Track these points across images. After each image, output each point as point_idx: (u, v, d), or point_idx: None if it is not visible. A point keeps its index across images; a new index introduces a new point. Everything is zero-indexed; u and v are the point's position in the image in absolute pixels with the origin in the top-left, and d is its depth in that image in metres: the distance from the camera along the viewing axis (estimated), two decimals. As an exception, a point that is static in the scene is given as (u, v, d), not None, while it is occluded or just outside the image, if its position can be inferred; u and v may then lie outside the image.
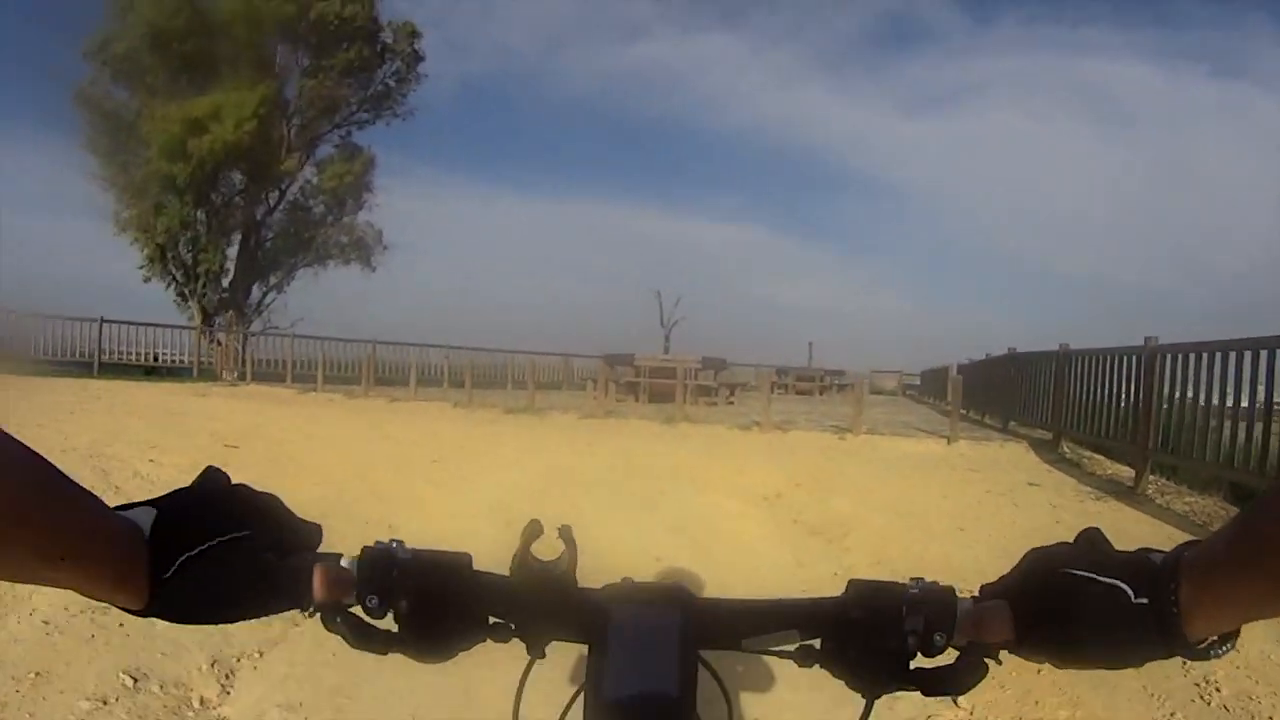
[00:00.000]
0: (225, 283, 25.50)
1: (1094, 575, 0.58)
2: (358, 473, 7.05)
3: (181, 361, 21.85)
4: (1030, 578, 0.61)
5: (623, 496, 6.36)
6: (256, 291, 26.56)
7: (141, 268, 24.52)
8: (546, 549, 0.67)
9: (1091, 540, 0.62)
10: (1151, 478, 7.78)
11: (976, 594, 0.65)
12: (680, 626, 0.65)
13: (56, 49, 31.59)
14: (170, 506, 0.58)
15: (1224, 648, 0.57)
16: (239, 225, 25.71)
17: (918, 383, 35.08)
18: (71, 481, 0.53)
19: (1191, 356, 7.30)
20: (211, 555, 0.57)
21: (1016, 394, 12.83)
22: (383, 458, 8.02)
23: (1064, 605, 0.58)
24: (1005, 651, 0.62)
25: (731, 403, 18.18)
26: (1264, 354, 6.07)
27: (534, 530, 0.66)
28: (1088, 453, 10.05)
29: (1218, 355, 6.78)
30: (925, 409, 19.92)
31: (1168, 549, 0.58)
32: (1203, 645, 0.56)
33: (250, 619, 0.61)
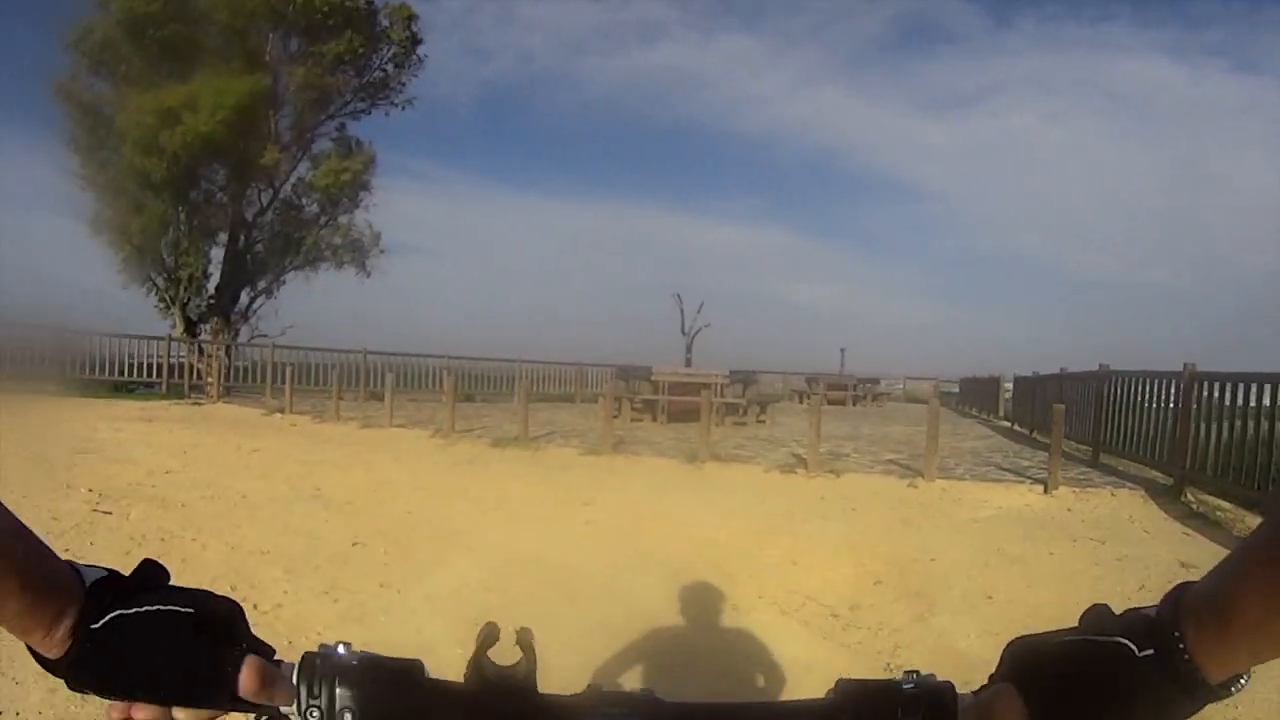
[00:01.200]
0: (211, 288, 23.56)
1: (1092, 638, 0.55)
2: (235, 569, 4.97)
3: (155, 375, 19.89)
4: (1027, 658, 0.58)
5: (616, 622, 3.68)
6: (245, 298, 24.55)
7: (120, 272, 22.65)
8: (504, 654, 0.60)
9: (1093, 613, 0.58)
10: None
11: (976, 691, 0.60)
12: None
13: (44, 42, 29.99)
14: (119, 575, 0.57)
15: (1241, 681, 0.53)
16: (225, 226, 23.70)
17: (956, 390, 32.87)
18: (14, 520, 0.52)
19: None
20: (145, 619, 0.54)
21: (1110, 420, 10.56)
22: (287, 539, 5.85)
23: (1071, 676, 0.55)
24: None
25: (762, 421, 16.01)
26: None
27: (490, 634, 0.61)
28: (1222, 504, 7.84)
29: None
30: (979, 426, 17.61)
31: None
32: (1223, 684, 0.52)
33: (166, 704, 0.55)
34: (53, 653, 0.53)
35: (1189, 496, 8.13)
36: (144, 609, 0.55)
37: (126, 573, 0.58)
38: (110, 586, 0.55)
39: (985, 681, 0.60)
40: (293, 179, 24.54)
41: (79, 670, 0.53)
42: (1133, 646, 0.53)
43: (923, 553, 6.13)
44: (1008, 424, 18.39)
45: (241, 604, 0.59)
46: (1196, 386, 8.38)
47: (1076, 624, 0.58)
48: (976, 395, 25.25)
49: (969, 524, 7.22)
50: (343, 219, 25.26)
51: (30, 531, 0.53)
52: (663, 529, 6.47)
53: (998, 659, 0.60)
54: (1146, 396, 9.53)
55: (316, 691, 0.57)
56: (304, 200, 25.05)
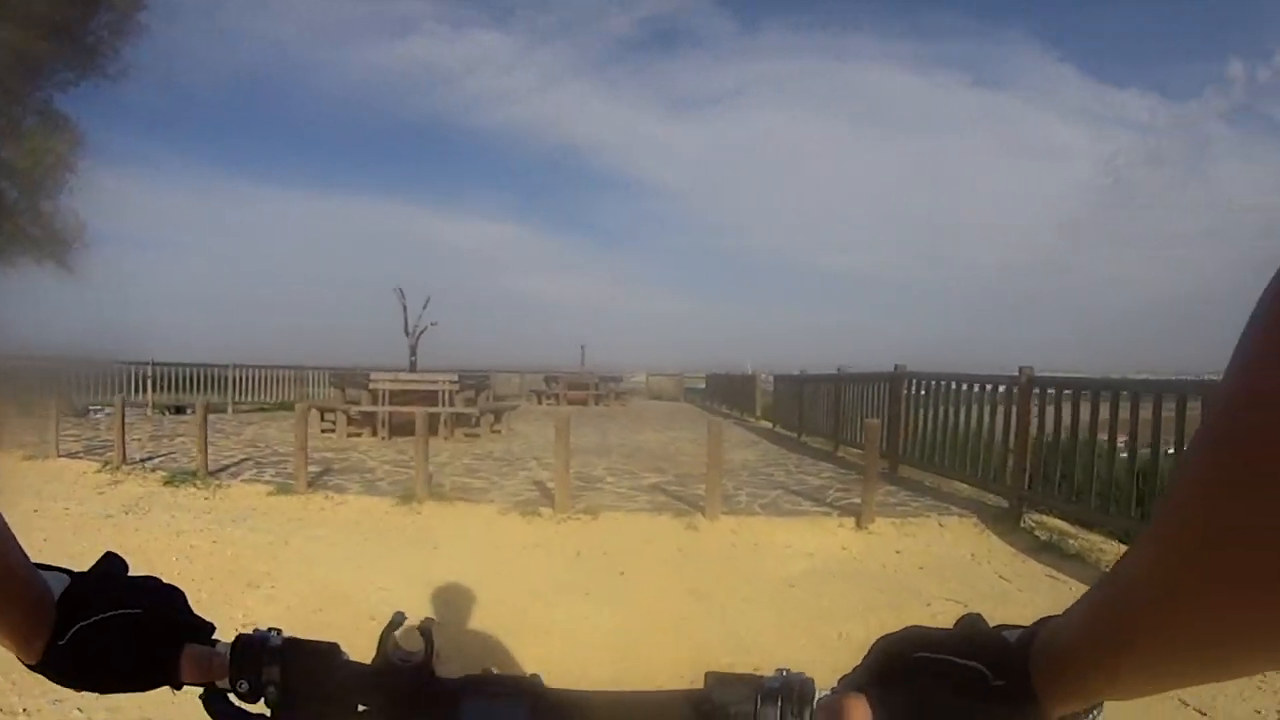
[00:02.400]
0: None
1: (952, 658, 0.56)
2: None
3: None
4: (887, 665, 0.59)
5: None
6: None
7: None
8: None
9: (969, 624, 0.59)
10: None
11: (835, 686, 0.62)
12: (531, 718, 0.64)
13: None
14: (81, 578, 0.64)
15: (1091, 716, 0.55)
16: None
17: (702, 386, 31.82)
18: (5, 528, 0.56)
19: None
20: (101, 627, 0.62)
21: (910, 428, 8.90)
22: None
23: (922, 692, 0.56)
24: None
25: (498, 431, 13.50)
26: None
27: (396, 621, 0.66)
28: (1066, 529, 6.29)
29: None
30: (737, 428, 15.89)
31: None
32: (1068, 717, 0.53)
33: (125, 692, 0.64)
34: (30, 661, 0.61)
35: (1028, 521, 6.49)
36: (99, 617, 0.62)
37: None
38: (73, 597, 0.62)
39: (849, 672, 0.62)
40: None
41: (52, 672, 0.61)
42: (988, 674, 0.54)
43: (732, 648, 4.00)
44: (768, 425, 16.90)
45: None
46: (1031, 391, 6.74)
47: (952, 625, 0.60)
48: (728, 392, 23.89)
49: (781, 588, 5.13)
50: (45, 206, 19.92)
51: (12, 542, 0.57)
52: (357, 626, 3.89)
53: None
54: (959, 401, 7.88)
55: (246, 668, 0.64)
56: (4, 184, 19.49)
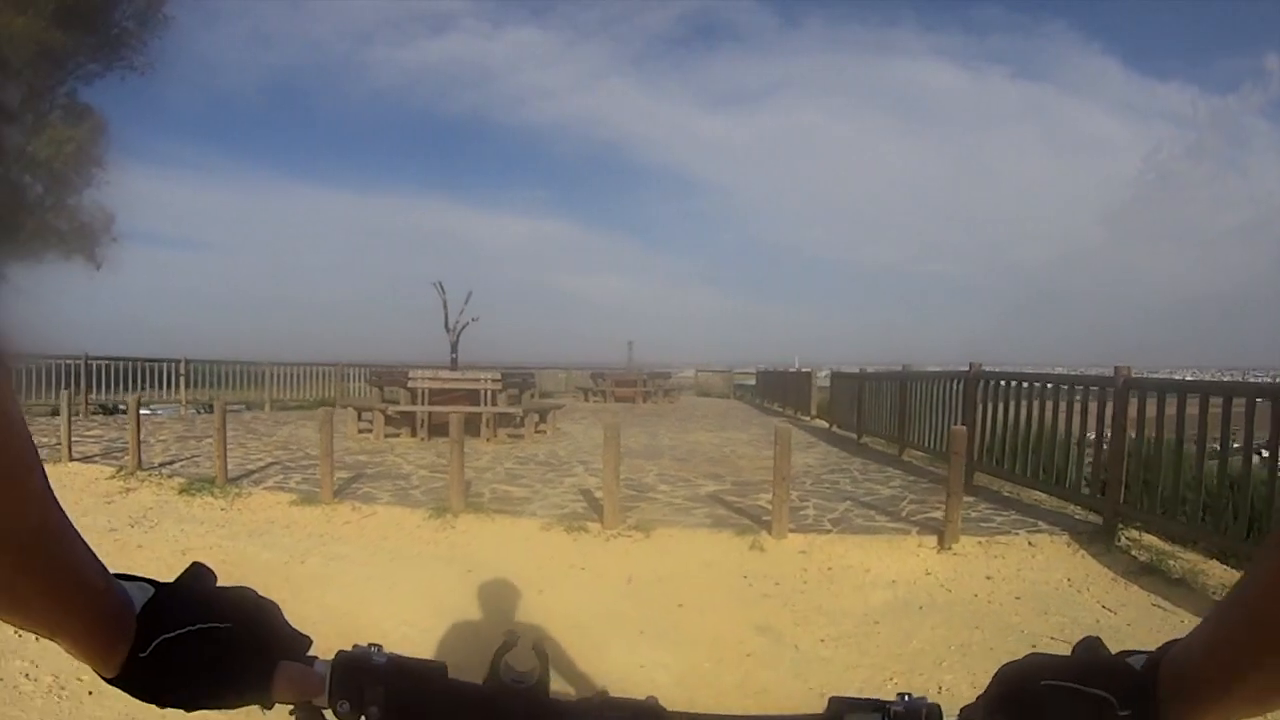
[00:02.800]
0: None
1: (1078, 686, 0.56)
2: None
3: None
4: (1012, 694, 0.58)
5: None
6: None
7: None
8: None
9: (1088, 649, 0.59)
10: None
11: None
12: None
13: None
14: (167, 590, 0.60)
15: None
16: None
17: (752, 383, 31.04)
18: (80, 540, 0.55)
19: None
20: (187, 640, 0.58)
21: (988, 434, 8.19)
22: None
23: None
24: None
25: (543, 431, 12.97)
26: None
27: (509, 641, 0.64)
28: (1168, 549, 5.60)
29: None
30: (794, 429, 15.20)
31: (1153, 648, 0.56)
32: None
33: (212, 708, 0.60)
34: (108, 674, 0.57)
35: (1123, 540, 5.81)
36: (185, 630, 0.58)
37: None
38: (157, 608, 0.58)
39: (971, 702, 0.61)
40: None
41: (132, 687, 0.57)
42: (1115, 702, 0.54)
43: (815, 704, 3.32)
44: (824, 424, 16.19)
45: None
46: (1128, 393, 6.05)
47: (1070, 651, 0.59)
48: (780, 390, 23.15)
49: (864, 625, 4.51)
50: (70, 200, 19.93)
51: (91, 553, 0.56)
52: None
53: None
54: (1043, 403, 7.18)
55: (347, 688, 0.61)
56: (27, 178, 19.54)
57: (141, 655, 0.57)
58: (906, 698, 0.61)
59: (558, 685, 0.64)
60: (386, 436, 12.01)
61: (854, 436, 13.03)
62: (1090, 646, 0.59)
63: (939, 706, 0.61)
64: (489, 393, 12.44)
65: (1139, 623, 4.52)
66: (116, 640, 0.56)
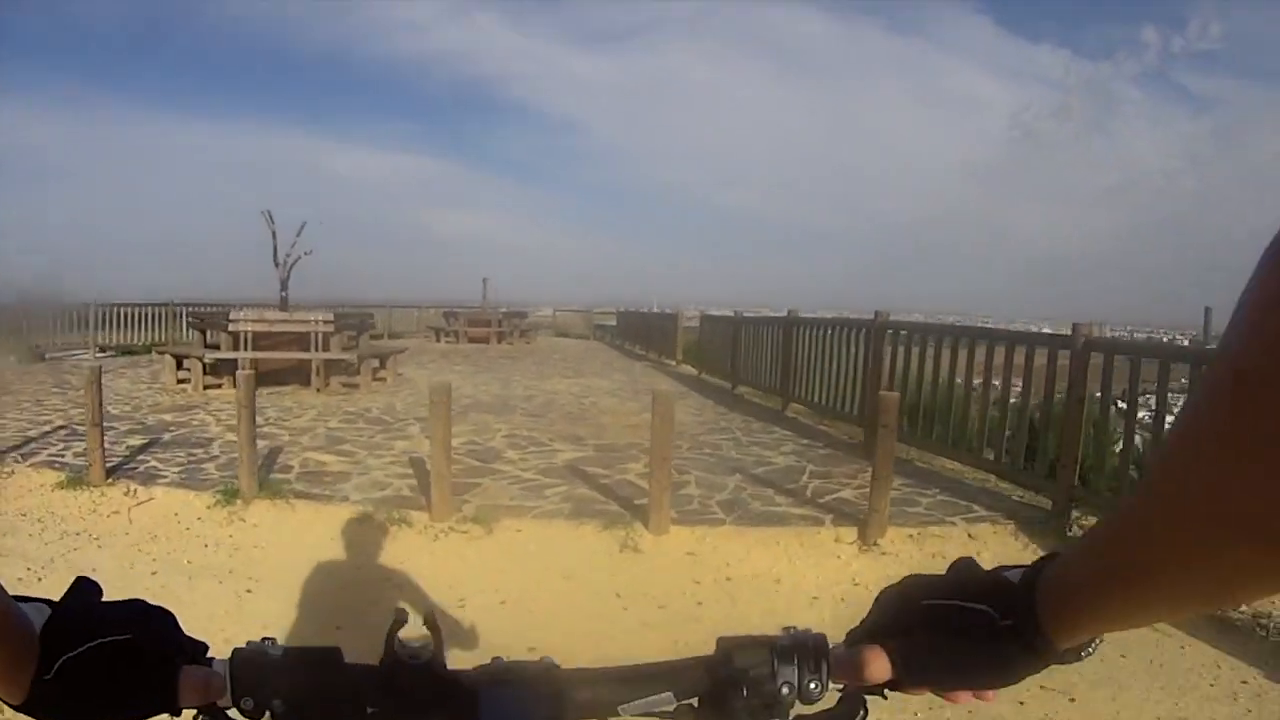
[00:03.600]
0: None
1: (960, 603, 0.58)
2: None
3: None
4: (896, 615, 0.61)
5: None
6: None
7: None
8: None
9: (961, 568, 0.61)
10: None
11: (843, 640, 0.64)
12: (552, 702, 0.62)
13: None
14: (64, 607, 0.58)
15: (1090, 648, 0.58)
16: None
17: (612, 323, 29.64)
18: None
19: None
20: (88, 657, 0.56)
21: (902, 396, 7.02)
22: None
23: (936, 637, 0.58)
24: (889, 690, 0.62)
25: (382, 379, 11.30)
26: None
27: (399, 618, 0.62)
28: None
29: None
30: (658, 375, 13.89)
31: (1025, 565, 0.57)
32: (1071, 650, 0.56)
33: None
34: (14, 701, 0.55)
35: (1077, 528, 4.79)
36: (86, 647, 0.56)
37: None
38: (56, 628, 0.56)
39: (855, 626, 0.63)
40: None
41: (40, 712, 0.55)
42: (995, 615, 0.56)
43: None
44: (691, 370, 14.95)
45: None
46: (1088, 357, 4.99)
47: (945, 571, 0.61)
48: (643, 333, 21.78)
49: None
50: None
51: None
52: None
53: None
54: (968, 361, 6.07)
55: (248, 685, 0.59)
56: None
57: (46, 678, 0.54)
58: (792, 629, 0.64)
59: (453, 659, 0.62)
60: (206, 389, 10.23)
61: (728, 386, 11.82)
62: (966, 566, 0.61)
63: (824, 636, 0.63)
64: (320, 336, 10.64)
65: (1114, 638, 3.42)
66: (22, 664, 0.54)
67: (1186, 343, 10.53)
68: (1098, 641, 0.57)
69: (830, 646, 0.62)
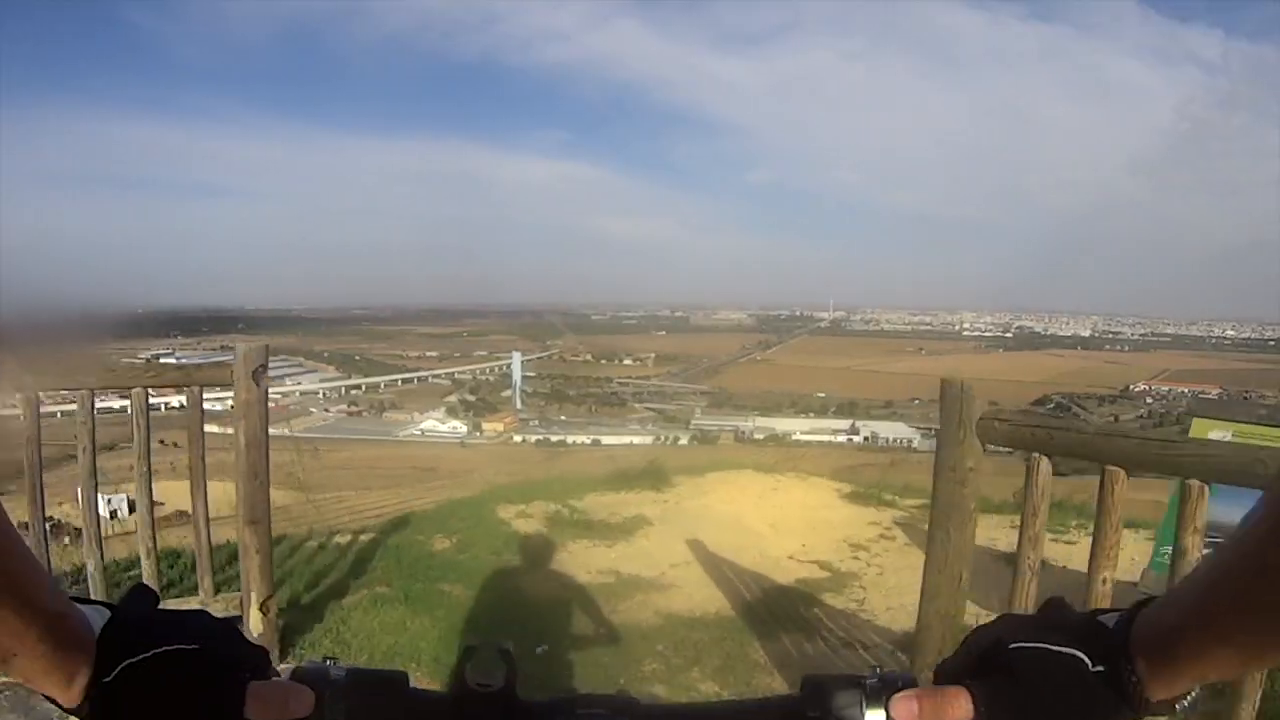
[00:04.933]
0: None
1: (1049, 646, 0.56)
2: None
3: None
4: (984, 656, 0.59)
5: None
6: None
7: None
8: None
9: (1052, 607, 0.61)
10: None
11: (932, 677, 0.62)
12: None
13: None
14: (124, 611, 0.58)
15: (1188, 698, 0.55)
16: None
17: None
18: (37, 565, 0.53)
19: None
20: (152, 664, 0.56)
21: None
22: None
23: (1023, 682, 0.56)
24: None
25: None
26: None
27: (472, 648, 0.62)
28: None
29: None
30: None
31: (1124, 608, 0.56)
32: (1165, 701, 0.54)
33: None
34: (70, 704, 0.54)
35: None
36: (150, 654, 0.55)
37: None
38: (117, 632, 0.55)
39: (943, 660, 0.63)
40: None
41: (97, 716, 0.54)
42: (1087, 661, 0.54)
43: None
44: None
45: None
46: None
47: (1035, 611, 0.61)
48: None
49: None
50: None
51: (46, 573, 0.54)
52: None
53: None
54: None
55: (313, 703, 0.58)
56: None
57: (105, 681, 0.54)
58: (879, 669, 0.62)
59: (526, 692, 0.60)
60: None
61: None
62: (1057, 606, 0.60)
63: (912, 675, 0.61)
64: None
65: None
66: (77, 667, 0.54)
67: None
68: (1196, 692, 0.54)
69: (919, 686, 0.61)
